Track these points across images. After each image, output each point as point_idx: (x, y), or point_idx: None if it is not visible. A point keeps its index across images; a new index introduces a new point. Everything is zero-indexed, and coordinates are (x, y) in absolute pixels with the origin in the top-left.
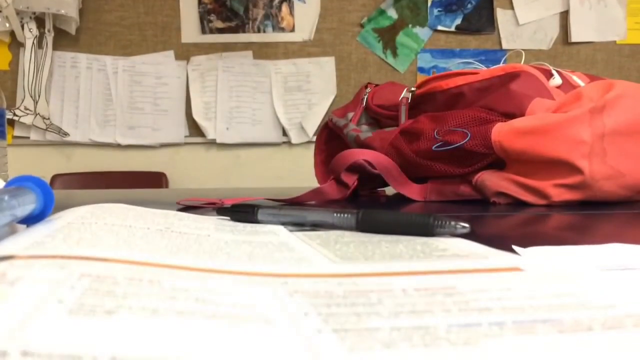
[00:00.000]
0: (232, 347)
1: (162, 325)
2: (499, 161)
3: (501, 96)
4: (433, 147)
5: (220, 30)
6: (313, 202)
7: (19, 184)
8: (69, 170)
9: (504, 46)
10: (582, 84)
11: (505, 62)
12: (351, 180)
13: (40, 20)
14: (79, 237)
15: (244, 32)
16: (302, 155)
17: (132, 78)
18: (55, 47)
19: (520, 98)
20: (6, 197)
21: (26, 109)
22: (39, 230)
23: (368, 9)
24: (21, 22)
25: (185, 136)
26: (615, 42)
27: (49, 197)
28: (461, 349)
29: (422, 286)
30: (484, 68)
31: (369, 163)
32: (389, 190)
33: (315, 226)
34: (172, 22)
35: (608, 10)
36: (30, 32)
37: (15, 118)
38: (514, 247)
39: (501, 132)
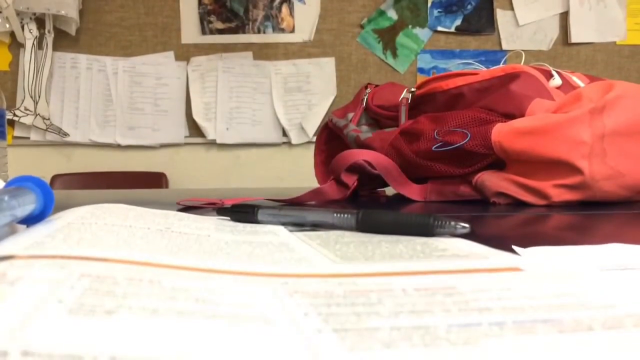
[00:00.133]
0: (232, 347)
1: (162, 325)
2: (499, 161)
3: (501, 97)
4: (433, 148)
5: (220, 31)
6: (313, 203)
7: (18, 184)
8: (69, 171)
9: (504, 47)
10: (582, 84)
11: (505, 62)
12: (351, 180)
13: (40, 21)
14: (79, 237)
15: (244, 32)
16: (302, 155)
17: (132, 79)
18: (56, 48)
19: (520, 99)
20: (6, 198)
21: (26, 109)
22: (39, 231)
23: (368, 10)
24: (21, 22)
25: (185, 136)
26: (615, 42)
27: (49, 198)
28: (461, 349)
29: (422, 286)
30: (484, 69)
31: (369, 163)
32: (389, 191)
33: (315, 226)
34: (172, 23)
35: (608, 11)
36: (31, 32)
37: (16, 118)
38: (514, 247)
39: (501, 133)
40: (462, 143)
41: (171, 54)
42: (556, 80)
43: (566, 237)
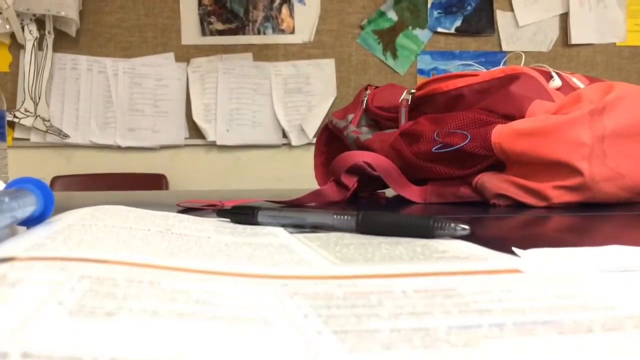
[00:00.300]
0: (232, 348)
1: (162, 327)
2: (499, 163)
3: (501, 98)
4: (433, 149)
5: (220, 32)
6: (313, 204)
7: (19, 185)
8: (69, 172)
9: (504, 48)
10: (581, 85)
11: (505, 64)
12: (351, 182)
13: (40, 22)
14: (79, 239)
15: (244, 34)
16: (302, 157)
17: (132, 80)
18: (56, 49)
19: (520, 100)
20: (6, 199)
21: (26, 110)
22: (39, 232)
23: (368, 11)
24: (21, 24)
25: (186, 138)
26: (615, 44)
27: (49, 199)
28: (461, 351)
29: (422, 288)
30: (484, 70)
31: (369, 165)
32: (389, 192)
33: (315, 228)
34: (172, 24)
35: (608, 12)
36: (31, 34)
37: (16, 120)
38: (513, 248)
39: (501, 134)
40: (462, 144)
41: (171, 55)
42: (556, 82)
43: (566, 238)
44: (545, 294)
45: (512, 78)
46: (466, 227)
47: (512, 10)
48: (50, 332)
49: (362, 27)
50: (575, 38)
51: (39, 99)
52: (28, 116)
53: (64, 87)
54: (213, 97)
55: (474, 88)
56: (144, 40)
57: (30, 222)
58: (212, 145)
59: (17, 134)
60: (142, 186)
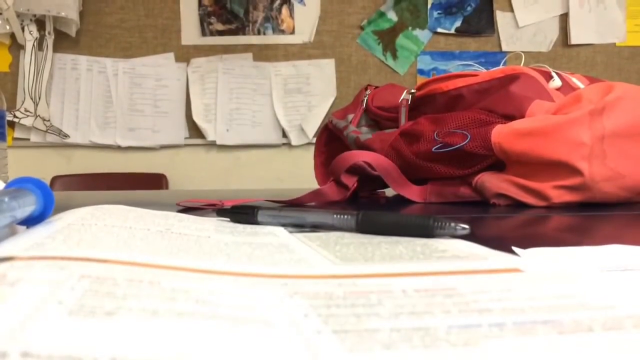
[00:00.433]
0: (232, 348)
1: (162, 327)
2: (499, 163)
3: (501, 98)
4: (433, 149)
5: (220, 33)
6: (313, 204)
7: (18, 185)
8: (69, 172)
9: (504, 48)
10: (581, 86)
11: (505, 64)
12: (351, 181)
13: (40, 23)
14: (79, 239)
15: (244, 34)
16: (302, 156)
17: (132, 80)
18: (56, 50)
19: (520, 100)
20: (6, 199)
21: (26, 110)
22: (39, 232)
23: (368, 12)
24: (22, 24)
25: (185, 138)
26: (614, 44)
27: (49, 199)
28: (461, 350)
29: (422, 287)
30: (484, 70)
31: (369, 164)
32: (389, 192)
33: (315, 227)
34: (172, 25)
35: (607, 12)
36: (31, 34)
37: (16, 120)
38: (513, 248)
39: (501, 134)
40: (462, 144)
41: (171, 55)
42: (556, 82)
43: (566, 238)
44: (545, 293)
45: (512, 78)
46: (466, 226)
47: (512, 10)
48: (50, 332)
49: (362, 28)
50: (575, 38)
51: (39, 99)
52: (28, 116)
53: (64, 87)
54: (213, 97)
55: (473, 88)
56: (144, 41)
57: (30, 221)
58: (212, 145)
59: (17, 134)
60: (142, 186)
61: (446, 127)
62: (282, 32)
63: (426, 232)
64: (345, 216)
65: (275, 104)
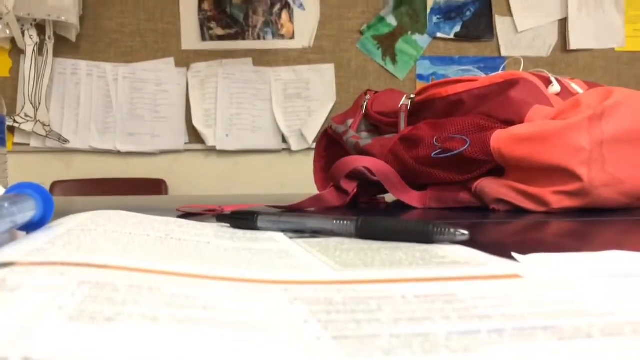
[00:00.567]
0: (232, 354)
1: (162, 333)
2: (498, 168)
3: (500, 103)
4: (432, 154)
5: (221, 37)
6: (313, 209)
7: (18, 190)
8: (68, 177)
9: (503, 53)
10: (580, 91)
11: (504, 69)
12: (351, 187)
13: (40, 28)
14: (79, 244)
15: (244, 39)
16: (301, 161)
17: (132, 85)
18: (56, 54)
19: (519, 105)
20: (6, 204)
21: (26, 115)
22: (39, 237)
23: (367, 16)
24: (22, 29)
25: (185, 143)
26: (613, 49)
27: (49, 204)
28: (461, 356)
29: (422, 293)
30: (483, 75)
31: (369, 170)
32: (389, 197)
33: (315, 233)
34: (173, 29)
35: (606, 17)
36: (31, 39)
37: (16, 125)
38: (513, 254)
39: (500, 139)
40: (461, 150)
41: (171, 60)
42: (555, 87)
43: (565, 244)
44: (544, 299)
45: (511, 83)
46: (465, 232)
47: (511, 15)
48: (51, 337)
49: (361, 33)
50: (574, 43)
51: (39, 104)
52: (28, 121)
53: (64, 92)
54: (213, 102)
55: (473, 93)
56: (144, 45)
57: (30, 227)
58: (212, 150)
59: (17, 139)
60: (141, 191)
61: (446, 132)
62: (282, 36)
63: (426, 237)
64: (345, 222)
65: (275, 109)
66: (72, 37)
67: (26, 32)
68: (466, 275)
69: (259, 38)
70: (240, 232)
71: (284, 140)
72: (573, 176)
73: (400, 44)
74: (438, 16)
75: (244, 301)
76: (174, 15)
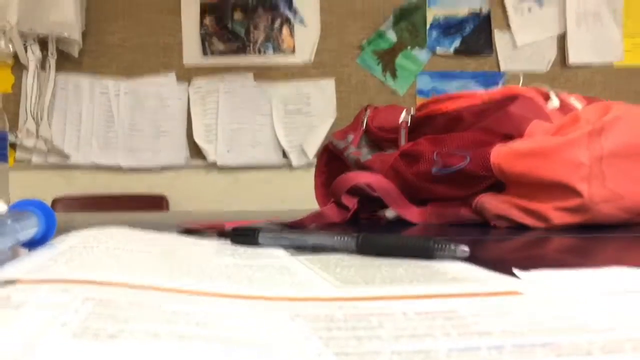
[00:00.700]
0: None
1: (163, 349)
2: (499, 184)
3: (500, 118)
4: (433, 170)
5: (222, 52)
6: (313, 225)
7: (21, 208)
8: (70, 193)
9: (502, 68)
10: (579, 106)
11: (503, 84)
12: (351, 203)
13: (43, 43)
14: (82, 261)
15: (245, 54)
16: (302, 177)
17: (134, 100)
18: (58, 70)
19: (519, 120)
20: (9, 221)
21: (28, 131)
22: (42, 254)
23: (367, 31)
24: (24, 44)
25: (186, 158)
26: (613, 64)
27: (52, 221)
28: None
29: (423, 310)
30: (483, 90)
31: (369, 186)
32: (390, 213)
33: (316, 249)
34: (174, 44)
35: (605, 31)
36: (34, 54)
37: (18, 141)
38: (514, 270)
39: (500, 154)
40: (461, 165)
41: (173, 75)
42: (554, 102)
43: (566, 260)
44: (544, 315)
45: (511, 99)
46: (466, 248)
47: (510, 30)
48: (55, 354)
49: (361, 48)
50: (573, 58)
51: (41, 119)
52: (30, 137)
53: (66, 108)
54: (214, 117)
55: (473, 109)
56: (145, 60)
57: (33, 244)
58: (213, 166)
59: (18, 155)
60: (142, 207)
61: (446, 148)
62: (283, 51)
63: (426, 254)
64: (346, 238)
65: (275, 124)
66: (75, 52)
67: (29, 48)
68: (467, 292)
69: (259, 53)
70: (241, 249)
71: (285, 155)
72: (573, 192)
73: (400, 59)
74: (437, 31)
75: (245, 318)
76: (175, 30)
